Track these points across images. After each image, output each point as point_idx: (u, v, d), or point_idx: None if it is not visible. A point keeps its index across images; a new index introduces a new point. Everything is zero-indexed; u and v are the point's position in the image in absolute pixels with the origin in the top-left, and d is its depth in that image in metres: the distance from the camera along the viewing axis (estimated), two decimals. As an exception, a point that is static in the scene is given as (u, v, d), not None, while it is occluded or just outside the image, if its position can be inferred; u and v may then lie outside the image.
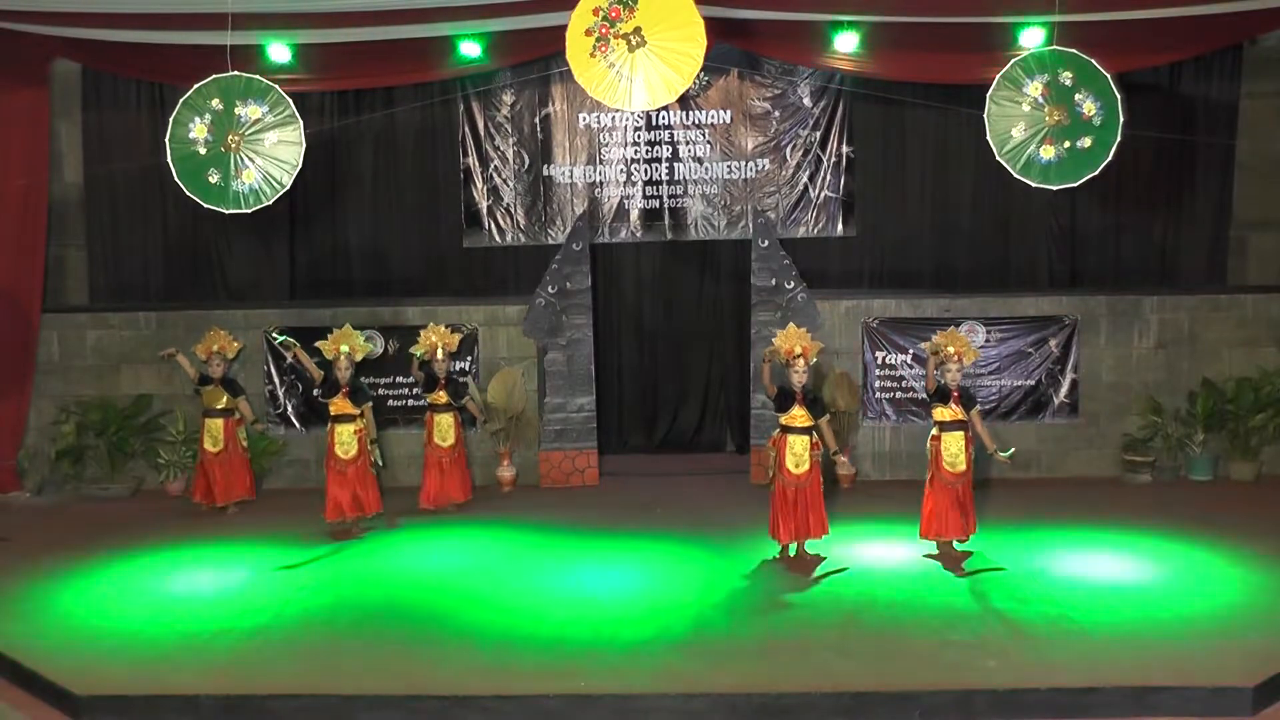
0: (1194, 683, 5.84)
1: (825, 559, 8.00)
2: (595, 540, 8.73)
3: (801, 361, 7.88)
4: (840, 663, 6.20)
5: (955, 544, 8.08)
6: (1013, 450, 8.06)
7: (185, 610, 7.22)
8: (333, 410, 9.05)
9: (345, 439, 8.98)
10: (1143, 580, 7.49)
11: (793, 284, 10.56)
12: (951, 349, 7.94)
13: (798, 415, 7.93)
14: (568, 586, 7.60)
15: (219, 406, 9.61)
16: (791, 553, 8.06)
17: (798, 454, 7.93)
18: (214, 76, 7.65)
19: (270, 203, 7.77)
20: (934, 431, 8.09)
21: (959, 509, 7.99)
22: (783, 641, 6.54)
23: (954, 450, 7.98)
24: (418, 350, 9.65)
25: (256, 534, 8.96)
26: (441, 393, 9.71)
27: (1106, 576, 7.56)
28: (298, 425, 10.78)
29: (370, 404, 9.15)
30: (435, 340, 9.61)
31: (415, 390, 10.48)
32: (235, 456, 9.68)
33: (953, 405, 7.98)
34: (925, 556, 8.06)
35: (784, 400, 7.97)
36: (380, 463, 9.31)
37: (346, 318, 10.75)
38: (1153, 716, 5.73)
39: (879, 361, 10.67)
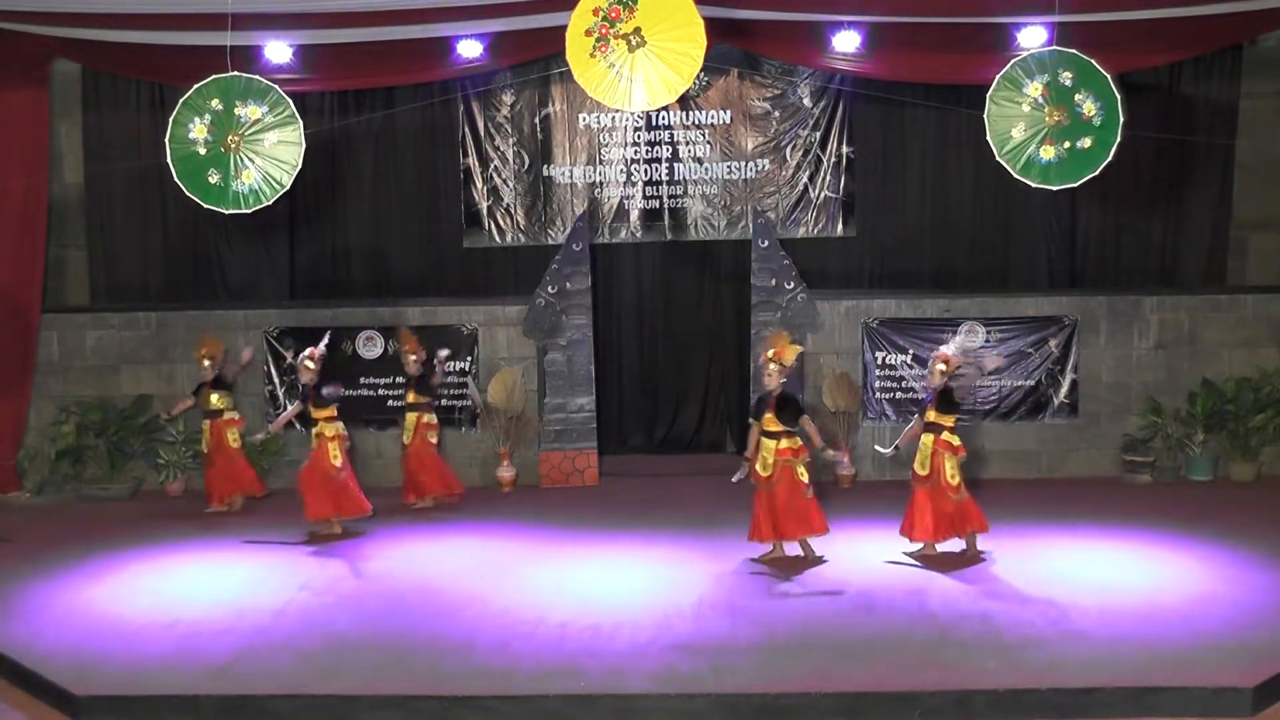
0: (1194, 683, 5.84)
1: (815, 557, 8.02)
2: (595, 540, 8.73)
3: (772, 365, 7.88)
4: (840, 663, 6.21)
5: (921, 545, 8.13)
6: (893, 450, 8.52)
7: (185, 610, 7.23)
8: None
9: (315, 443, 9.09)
10: (1143, 580, 7.49)
11: (793, 284, 10.57)
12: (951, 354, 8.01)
13: (767, 420, 7.95)
14: (568, 586, 7.60)
15: (208, 408, 9.73)
16: (773, 551, 8.09)
17: (764, 458, 7.96)
18: (214, 76, 7.63)
19: (270, 203, 7.75)
20: None
21: (919, 512, 8.02)
22: (783, 641, 6.54)
23: (923, 453, 8.05)
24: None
25: (256, 534, 8.95)
26: (410, 393, 9.85)
27: (1106, 576, 7.57)
28: (297, 426, 10.76)
29: (331, 407, 9.05)
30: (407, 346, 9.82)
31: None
32: (222, 455, 9.72)
33: (931, 409, 8.08)
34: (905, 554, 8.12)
35: (758, 406, 8.04)
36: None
37: (347, 318, 10.82)
38: (1153, 717, 5.73)
39: (879, 362, 10.67)
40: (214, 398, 9.70)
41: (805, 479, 7.91)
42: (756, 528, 8.03)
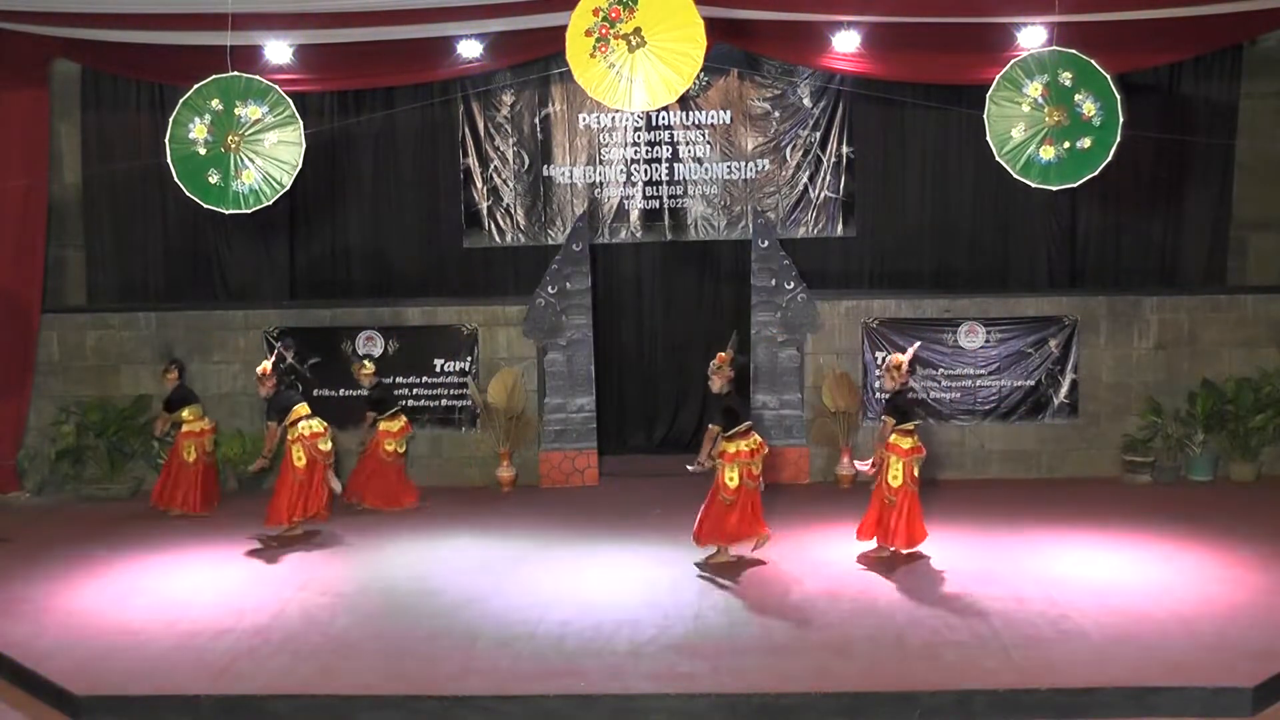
0: (1194, 683, 5.85)
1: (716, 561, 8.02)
2: (595, 540, 8.74)
3: (714, 374, 8.00)
4: (840, 663, 6.21)
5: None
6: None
7: (185, 610, 7.23)
8: None
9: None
10: (1143, 580, 7.49)
11: (793, 284, 10.57)
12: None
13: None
14: (567, 586, 7.60)
15: (179, 420, 9.90)
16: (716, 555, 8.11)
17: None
18: (214, 77, 7.65)
19: (270, 203, 7.77)
20: None
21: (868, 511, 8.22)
22: (782, 641, 6.55)
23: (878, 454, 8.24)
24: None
25: (255, 535, 8.95)
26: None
27: (1106, 576, 7.57)
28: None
29: (273, 423, 9.01)
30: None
31: (415, 391, 10.76)
32: (175, 464, 9.79)
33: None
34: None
35: None
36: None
37: (346, 318, 10.81)
38: (1153, 717, 5.73)
39: (879, 362, 10.66)
40: (184, 412, 9.79)
41: (733, 484, 7.88)
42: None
